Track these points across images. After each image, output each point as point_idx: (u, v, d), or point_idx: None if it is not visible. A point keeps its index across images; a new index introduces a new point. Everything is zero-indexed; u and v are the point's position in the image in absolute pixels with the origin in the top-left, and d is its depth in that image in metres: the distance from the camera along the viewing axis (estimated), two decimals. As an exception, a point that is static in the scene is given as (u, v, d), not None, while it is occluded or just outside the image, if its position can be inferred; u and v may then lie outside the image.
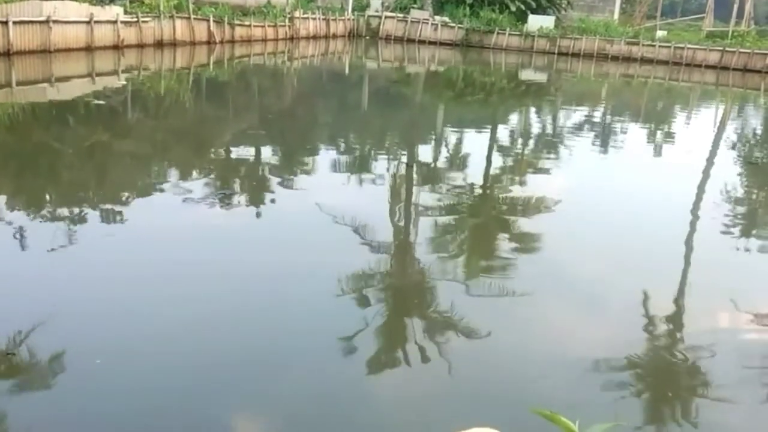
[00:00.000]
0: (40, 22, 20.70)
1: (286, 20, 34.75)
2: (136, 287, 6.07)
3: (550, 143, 15.60)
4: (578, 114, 21.14)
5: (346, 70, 30.32)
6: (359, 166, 11.98)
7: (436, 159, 13.34)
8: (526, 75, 32.53)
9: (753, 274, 7.85)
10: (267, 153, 12.46)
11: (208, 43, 28.73)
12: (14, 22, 19.73)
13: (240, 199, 9.27)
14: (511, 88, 27.44)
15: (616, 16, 49.66)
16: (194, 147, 12.39)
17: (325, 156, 12.54)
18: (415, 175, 11.52)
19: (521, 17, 40.33)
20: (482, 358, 5.41)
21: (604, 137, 16.98)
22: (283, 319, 5.74)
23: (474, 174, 11.93)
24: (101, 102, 16.18)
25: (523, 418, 3.18)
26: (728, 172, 13.13)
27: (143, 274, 6.39)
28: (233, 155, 12.07)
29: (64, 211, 8.08)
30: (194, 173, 10.26)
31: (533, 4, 40.79)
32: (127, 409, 4.36)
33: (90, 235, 7.32)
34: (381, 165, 12.41)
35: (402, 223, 8.83)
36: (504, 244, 8.27)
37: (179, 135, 13.68)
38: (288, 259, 6.99)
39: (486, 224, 9.12)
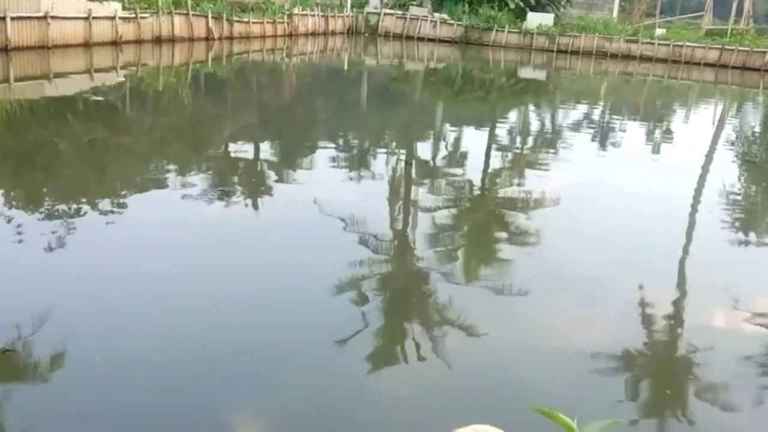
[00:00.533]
0: (38, 18, 20.66)
1: (285, 17, 34.71)
2: (134, 284, 6.06)
3: (548, 141, 15.60)
4: (577, 112, 21.14)
5: (345, 67, 30.28)
6: (358, 163, 11.97)
7: (435, 156, 13.33)
8: (525, 72, 32.52)
9: (752, 271, 7.86)
10: (265, 150, 12.46)
11: (207, 39, 28.69)
12: (12, 18, 19.68)
13: (238, 195, 9.26)
14: (510, 85, 27.44)
15: (615, 13, 49.72)
16: (192, 143, 12.37)
17: (324, 153, 12.53)
18: (413, 173, 11.52)
19: (520, 14, 40.32)
20: (481, 355, 5.41)
21: (603, 135, 16.99)
22: (281, 316, 5.73)
23: (473, 171, 11.93)
24: (99, 98, 16.15)
25: (523, 415, 3.18)
26: (727, 171, 13.14)
27: (141, 270, 6.38)
28: (231, 152, 12.06)
29: (62, 208, 8.06)
30: (193, 170, 10.24)
31: (532, 2, 40.79)
32: (126, 406, 4.35)
33: (88, 232, 7.31)
34: (380, 162, 12.40)
35: (401, 221, 8.83)
36: (503, 242, 8.27)
37: (177, 131, 13.66)
38: (286, 256, 6.98)
39: (485, 221, 9.12)
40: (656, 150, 15.81)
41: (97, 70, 20.55)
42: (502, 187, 11.10)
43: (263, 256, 6.99)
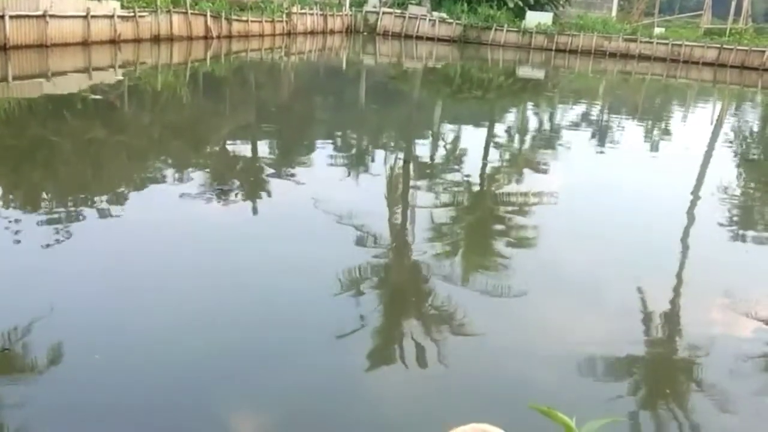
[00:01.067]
0: (37, 17, 20.63)
1: (284, 16, 34.70)
2: (133, 282, 6.05)
3: (547, 139, 15.60)
4: (576, 110, 21.14)
5: (344, 66, 30.27)
6: (356, 162, 11.97)
7: (433, 155, 13.33)
8: (524, 72, 32.52)
9: (750, 269, 7.86)
10: (264, 148, 12.44)
11: (206, 38, 28.67)
12: (11, 17, 19.65)
13: (237, 193, 9.24)
14: (509, 84, 27.43)
15: (613, 13, 49.73)
16: (191, 142, 12.36)
17: (322, 151, 12.52)
18: (412, 172, 11.51)
19: (519, 14, 40.33)
20: (480, 353, 5.40)
21: (602, 134, 16.99)
22: (280, 315, 5.72)
23: (471, 170, 11.93)
24: (98, 97, 16.13)
25: (522, 414, 3.18)
26: (726, 169, 13.15)
27: (140, 269, 6.37)
28: (230, 150, 12.05)
29: (60, 206, 8.05)
30: (191, 168, 10.23)
31: (531, 1, 40.82)
32: (125, 404, 4.35)
33: (86, 230, 7.29)
34: (378, 161, 12.40)
35: (399, 219, 8.82)
36: (501, 240, 8.26)
37: (176, 130, 13.65)
38: (285, 254, 6.98)
39: (483, 220, 9.12)
40: (655, 148, 15.82)
41: (96, 69, 20.52)
42: (501, 185, 11.10)
43: (262, 254, 6.97)
